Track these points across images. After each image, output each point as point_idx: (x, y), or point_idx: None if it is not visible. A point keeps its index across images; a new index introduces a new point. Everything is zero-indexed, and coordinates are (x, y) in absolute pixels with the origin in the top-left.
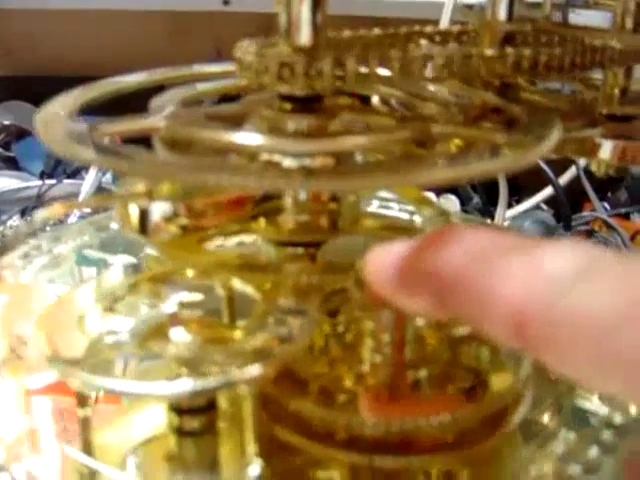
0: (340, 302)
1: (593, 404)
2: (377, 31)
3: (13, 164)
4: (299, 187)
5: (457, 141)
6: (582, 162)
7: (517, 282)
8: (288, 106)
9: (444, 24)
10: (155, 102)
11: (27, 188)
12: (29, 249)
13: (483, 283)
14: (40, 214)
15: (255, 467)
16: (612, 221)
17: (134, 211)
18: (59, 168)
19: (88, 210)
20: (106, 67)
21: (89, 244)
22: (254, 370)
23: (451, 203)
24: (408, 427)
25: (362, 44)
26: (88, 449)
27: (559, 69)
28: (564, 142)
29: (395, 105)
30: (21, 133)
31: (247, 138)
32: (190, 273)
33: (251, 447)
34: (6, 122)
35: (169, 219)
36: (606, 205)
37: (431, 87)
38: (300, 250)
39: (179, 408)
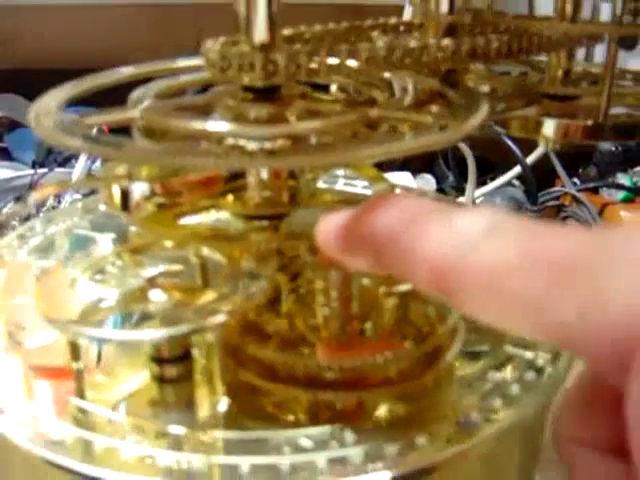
0: (299, 266)
1: (519, 350)
2: (332, 25)
3: (5, 154)
4: (261, 165)
5: (406, 124)
6: None
7: (435, 241)
8: (249, 96)
9: (407, 15)
10: (133, 95)
11: (20, 177)
12: (24, 231)
13: (408, 243)
14: (33, 196)
15: (223, 404)
16: (580, 195)
17: (116, 191)
18: (50, 157)
19: (79, 196)
20: (92, 59)
21: (79, 224)
22: (217, 319)
23: (427, 182)
24: (356, 365)
25: (318, 37)
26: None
27: (496, 55)
28: (509, 121)
29: (351, 92)
30: (12, 125)
31: (214, 125)
32: (167, 244)
33: (220, 390)
34: None
35: (147, 198)
36: (576, 181)
37: (382, 75)
38: (264, 222)
39: (160, 358)
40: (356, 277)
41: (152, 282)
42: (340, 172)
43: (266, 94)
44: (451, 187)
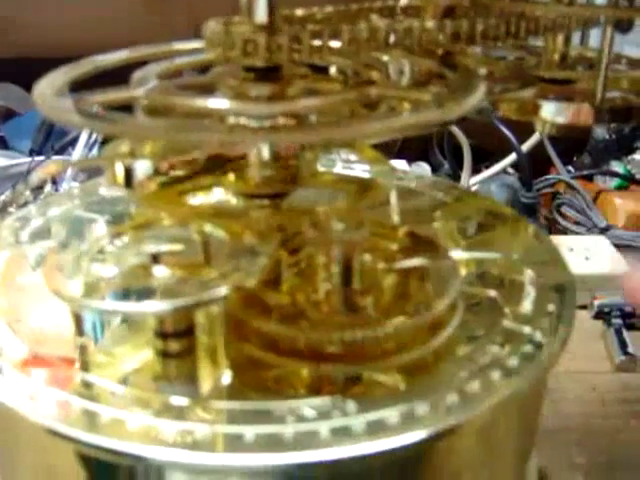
0: (300, 242)
1: (517, 325)
2: (329, 8)
3: (2, 143)
4: (263, 141)
5: (405, 104)
6: None
7: None
8: (251, 76)
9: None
10: (135, 75)
11: (17, 165)
12: (25, 213)
13: None
14: (36, 174)
15: (227, 377)
16: (575, 183)
17: (120, 169)
18: (47, 145)
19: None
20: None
21: (79, 206)
22: (220, 292)
23: (422, 170)
24: (357, 339)
25: (317, 20)
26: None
27: (494, 37)
28: (505, 103)
29: (350, 74)
30: (9, 113)
31: (217, 103)
32: (169, 222)
33: (223, 364)
34: None
35: (150, 175)
36: (571, 169)
37: (381, 57)
38: (265, 201)
39: (163, 333)
40: (357, 253)
41: (154, 259)
42: (338, 156)
43: (267, 74)
44: (446, 175)
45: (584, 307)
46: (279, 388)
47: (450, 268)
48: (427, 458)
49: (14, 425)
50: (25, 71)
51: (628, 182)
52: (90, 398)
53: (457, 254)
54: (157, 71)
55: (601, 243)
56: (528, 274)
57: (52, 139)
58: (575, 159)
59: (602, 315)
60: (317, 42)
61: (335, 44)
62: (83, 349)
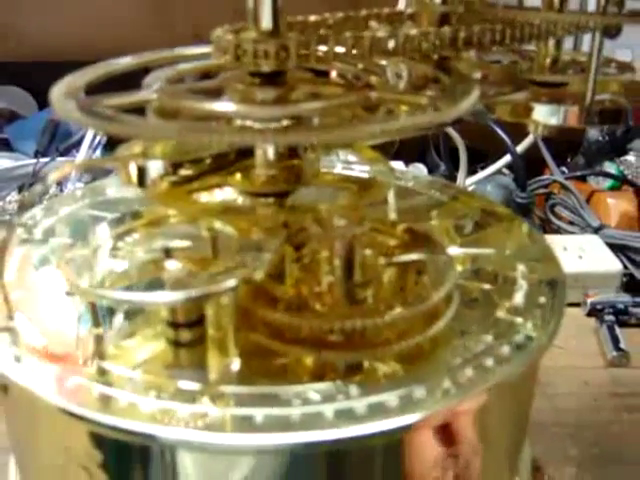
0: (304, 237)
1: (510, 316)
2: (328, 15)
3: (6, 146)
4: (270, 142)
5: (404, 107)
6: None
7: None
8: (256, 80)
9: (401, 5)
10: (147, 80)
11: (23, 166)
12: (37, 212)
13: None
14: (53, 174)
15: (236, 364)
16: (568, 183)
17: (133, 169)
18: (52, 147)
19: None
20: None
21: (88, 206)
22: (229, 284)
23: (419, 171)
24: (358, 327)
25: (324, 26)
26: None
27: (490, 42)
28: (499, 105)
29: (350, 78)
30: (12, 116)
31: (226, 106)
32: (179, 220)
33: (233, 352)
34: None
35: (162, 175)
36: (565, 170)
37: (380, 62)
38: (270, 200)
39: (175, 323)
40: (358, 248)
41: (166, 254)
42: (337, 157)
43: (272, 78)
44: (443, 176)
45: (577, 305)
46: (285, 375)
47: (446, 263)
48: (425, 440)
49: (33, 409)
50: (28, 74)
51: (621, 183)
52: (106, 383)
53: (453, 250)
54: (167, 76)
55: (594, 242)
56: (521, 269)
57: (56, 141)
58: (569, 160)
59: (595, 312)
60: (323, 48)
61: (339, 49)
62: (98, 339)
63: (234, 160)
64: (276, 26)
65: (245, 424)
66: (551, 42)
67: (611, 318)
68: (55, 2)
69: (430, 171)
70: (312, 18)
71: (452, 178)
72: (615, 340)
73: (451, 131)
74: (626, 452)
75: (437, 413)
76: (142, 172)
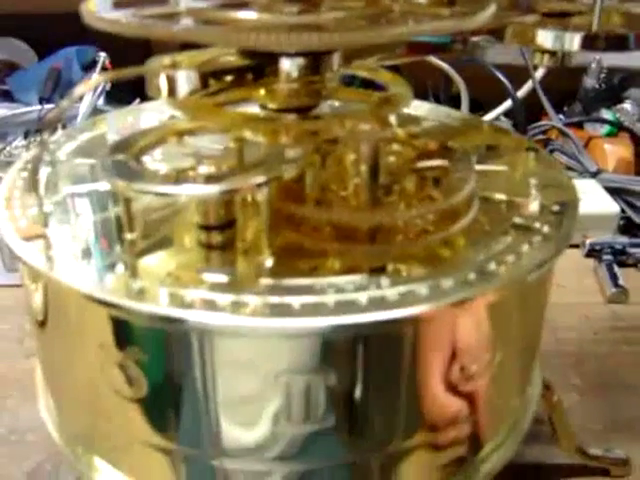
0: (331, 144)
1: (527, 221)
2: None
3: (8, 97)
4: (298, 40)
5: None
6: (538, 75)
7: None
8: None
9: None
10: None
11: (28, 112)
12: (59, 137)
13: None
14: (79, 88)
15: (269, 261)
16: (567, 129)
17: (163, 80)
18: (55, 94)
19: None
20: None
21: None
22: (260, 179)
23: None
24: (386, 220)
25: None
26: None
27: None
28: (508, 30)
29: None
30: (12, 68)
31: (249, 14)
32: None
33: (266, 250)
34: None
35: (191, 87)
36: (562, 117)
37: None
38: (293, 115)
39: (207, 226)
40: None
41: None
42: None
43: None
44: None
45: (576, 246)
46: (315, 272)
47: (467, 169)
48: (451, 325)
49: (70, 308)
50: (27, 26)
51: (617, 129)
52: (148, 279)
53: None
54: None
55: (592, 186)
56: (534, 184)
57: (60, 89)
58: (566, 108)
59: (594, 253)
60: None
61: None
62: (131, 245)
63: (254, 78)
64: None
65: (283, 310)
66: None
67: (609, 258)
68: None
69: None
70: None
71: None
72: (614, 277)
73: (452, 73)
74: (626, 380)
75: (464, 299)
76: (172, 83)
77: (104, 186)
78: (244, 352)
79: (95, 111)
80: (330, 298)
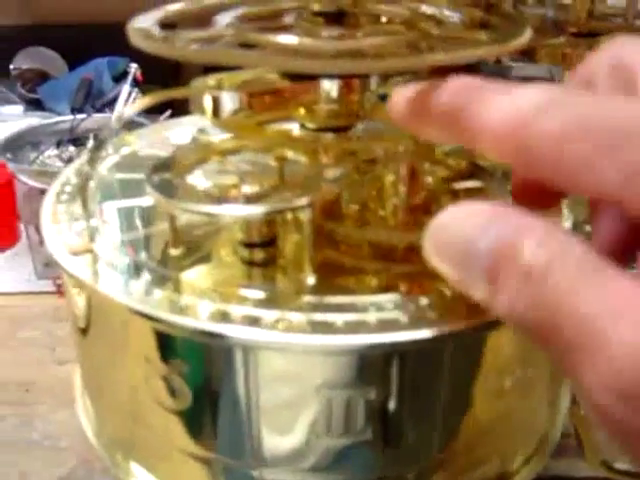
0: (368, 167)
1: None
2: None
3: (39, 106)
4: (342, 68)
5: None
6: None
7: (498, 110)
8: (321, 20)
9: None
10: (218, 18)
11: (61, 122)
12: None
13: (474, 111)
14: (129, 108)
15: (311, 279)
16: None
17: (208, 100)
18: (86, 104)
19: None
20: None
21: (149, 145)
22: (303, 200)
23: None
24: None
25: None
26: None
27: None
28: (540, 51)
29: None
30: (43, 77)
31: (290, 39)
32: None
33: (307, 268)
34: (26, 66)
35: (235, 106)
36: None
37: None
38: (331, 135)
39: (250, 243)
40: (421, 175)
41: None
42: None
43: (336, 18)
44: None
45: None
46: (354, 290)
47: (502, 189)
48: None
49: (115, 322)
50: (57, 36)
51: None
52: (194, 295)
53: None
54: (238, 14)
55: None
56: (565, 201)
57: (90, 99)
58: None
59: None
60: None
61: None
62: (176, 259)
63: (290, 97)
64: None
65: (326, 328)
66: None
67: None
68: None
69: None
70: None
71: None
72: None
73: None
74: None
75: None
76: (216, 103)
77: (147, 202)
78: (287, 367)
79: (128, 122)
80: (371, 316)
